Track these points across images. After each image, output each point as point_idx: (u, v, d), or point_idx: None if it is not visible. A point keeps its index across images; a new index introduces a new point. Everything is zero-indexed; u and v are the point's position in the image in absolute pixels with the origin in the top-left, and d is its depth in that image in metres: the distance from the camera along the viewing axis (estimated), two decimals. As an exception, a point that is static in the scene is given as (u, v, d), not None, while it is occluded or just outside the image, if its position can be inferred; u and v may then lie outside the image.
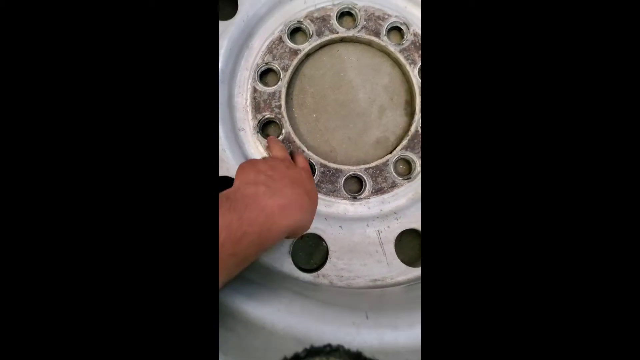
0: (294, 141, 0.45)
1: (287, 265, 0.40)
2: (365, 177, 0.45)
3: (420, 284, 0.40)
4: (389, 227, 0.44)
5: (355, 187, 0.47)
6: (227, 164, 0.44)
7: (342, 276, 0.41)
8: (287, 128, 0.46)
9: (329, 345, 0.23)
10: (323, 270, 0.41)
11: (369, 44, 0.50)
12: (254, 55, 0.47)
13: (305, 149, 0.45)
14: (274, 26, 0.47)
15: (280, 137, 0.46)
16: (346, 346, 0.23)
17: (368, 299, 0.36)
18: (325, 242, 0.43)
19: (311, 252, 0.45)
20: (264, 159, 0.36)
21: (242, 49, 0.47)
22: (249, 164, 0.33)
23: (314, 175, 0.45)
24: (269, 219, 0.26)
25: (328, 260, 0.42)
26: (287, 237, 0.30)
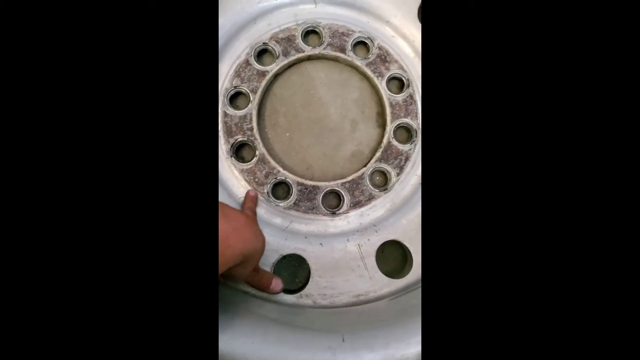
0: (269, 162, 0.46)
1: (269, 288, 0.40)
2: (342, 192, 0.46)
3: (402, 296, 0.40)
4: (369, 240, 0.44)
5: (334, 202, 0.47)
6: (202, 191, 0.44)
7: (325, 294, 0.41)
8: (260, 149, 0.46)
9: None
10: (306, 290, 0.41)
11: (335, 60, 0.50)
12: (222, 80, 0.47)
13: (280, 168, 0.45)
14: (240, 49, 0.48)
15: (255, 158, 0.46)
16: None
17: (347, 318, 0.36)
18: (306, 262, 0.43)
19: (294, 271, 0.45)
20: None
21: (209, 75, 0.47)
22: None
23: (290, 195, 0.45)
24: (223, 243, 0.26)
25: (310, 279, 0.42)
26: (236, 269, 0.29)
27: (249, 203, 0.43)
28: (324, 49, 0.49)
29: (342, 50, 0.49)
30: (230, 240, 0.27)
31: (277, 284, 0.38)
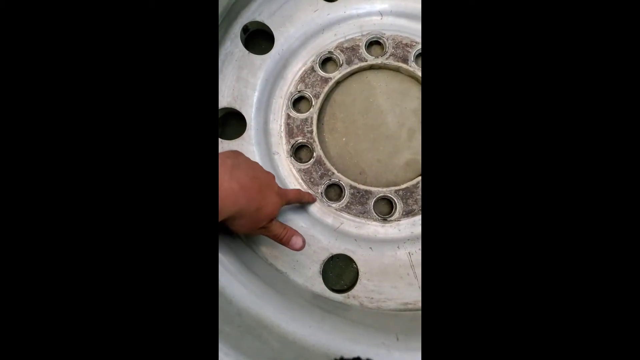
0: (325, 164, 0.47)
1: (318, 285, 0.41)
2: (395, 199, 0.46)
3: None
4: (420, 249, 0.43)
5: (385, 209, 0.47)
6: (262, 186, 0.46)
7: (372, 298, 0.41)
8: (318, 152, 0.48)
9: (359, 358, 0.23)
10: (353, 291, 0.41)
11: (397, 70, 0.51)
12: (288, 85, 0.50)
13: (335, 171, 0.47)
14: (307, 57, 0.51)
15: (312, 160, 0.48)
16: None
17: (399, 322, 0.35)
18: (355, 264, 0.43)
19: (340, 272, 0.46)
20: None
21: (277, 79, 0.50)
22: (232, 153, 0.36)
23: (343, 198, 0.46)
24: (221, 201, 0.28)
25: (358, 281, 0.42)
26: (231, 222, 0.32)
27: (299, 195, 0.43)
28: (387, 59, 0.50)
29: (405, 60, 0.50)
30: (227, 200, 0.29)
31: (296, 241, 0.38)
